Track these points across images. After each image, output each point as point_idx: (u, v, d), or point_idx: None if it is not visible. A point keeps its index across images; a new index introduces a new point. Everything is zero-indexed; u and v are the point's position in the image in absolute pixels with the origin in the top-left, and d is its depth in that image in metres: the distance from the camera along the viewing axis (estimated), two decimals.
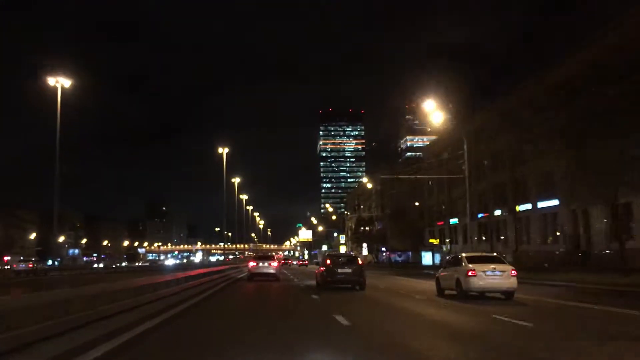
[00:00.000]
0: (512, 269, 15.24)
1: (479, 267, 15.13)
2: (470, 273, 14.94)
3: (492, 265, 15.27)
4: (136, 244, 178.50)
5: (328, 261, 20.51)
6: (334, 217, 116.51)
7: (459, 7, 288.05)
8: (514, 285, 14.99)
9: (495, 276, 14.98)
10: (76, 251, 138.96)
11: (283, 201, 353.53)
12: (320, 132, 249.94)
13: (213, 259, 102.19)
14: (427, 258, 55.13)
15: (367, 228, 73.33)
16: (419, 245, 57.25)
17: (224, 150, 51.01)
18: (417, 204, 59.54)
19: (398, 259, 66.20)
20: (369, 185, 71.07)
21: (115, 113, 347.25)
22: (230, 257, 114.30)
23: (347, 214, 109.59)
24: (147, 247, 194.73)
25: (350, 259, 21.42)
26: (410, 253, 61.47)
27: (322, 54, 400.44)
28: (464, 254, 17.22)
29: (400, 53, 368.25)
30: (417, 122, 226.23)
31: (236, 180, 62.55)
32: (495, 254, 21.24)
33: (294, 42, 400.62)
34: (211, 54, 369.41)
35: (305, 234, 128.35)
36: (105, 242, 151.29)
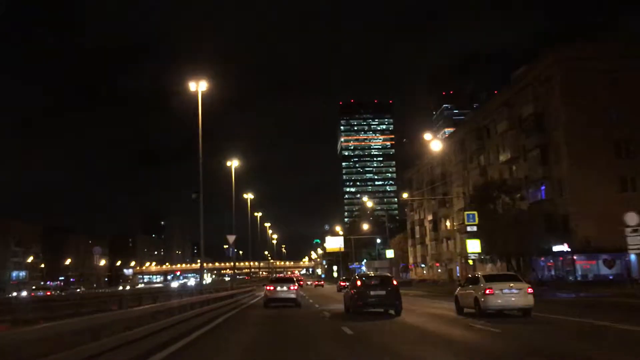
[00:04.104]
0: (529, 287, 15.30)
1: (496, 285, 15.31)
2: (487, 291, 15.13)
3: (509, 284, 15.45)
4: (118, 263, 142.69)
5: (358, 282, 18.55)
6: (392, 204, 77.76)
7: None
8: (531, 303, 15.06)
9: (512, 294, 15.13)
10: (22, 273, 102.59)
11: (301, 218, 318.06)
12: (342, 127, 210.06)
13: (191, 282, 68.65)
14: None
15: (514, 200, 34.36)
16: None
17: (197, 86, 26.35)
18: None
19: (608, 270, 29.42)
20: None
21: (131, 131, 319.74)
22: (226, 278, 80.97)
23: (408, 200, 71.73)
24: (139, 267, 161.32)
25: (383, 280, 19.03)
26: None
27: (348, 62, 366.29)
28: (480, 273, 17.77)
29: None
30: (457, 111, 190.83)
31: (232, 163, 40.09)
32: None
33: (317, 54, 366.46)
34: (230, 73, 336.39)
35: (333, 243, 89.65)
36: (68, 261, 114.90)
